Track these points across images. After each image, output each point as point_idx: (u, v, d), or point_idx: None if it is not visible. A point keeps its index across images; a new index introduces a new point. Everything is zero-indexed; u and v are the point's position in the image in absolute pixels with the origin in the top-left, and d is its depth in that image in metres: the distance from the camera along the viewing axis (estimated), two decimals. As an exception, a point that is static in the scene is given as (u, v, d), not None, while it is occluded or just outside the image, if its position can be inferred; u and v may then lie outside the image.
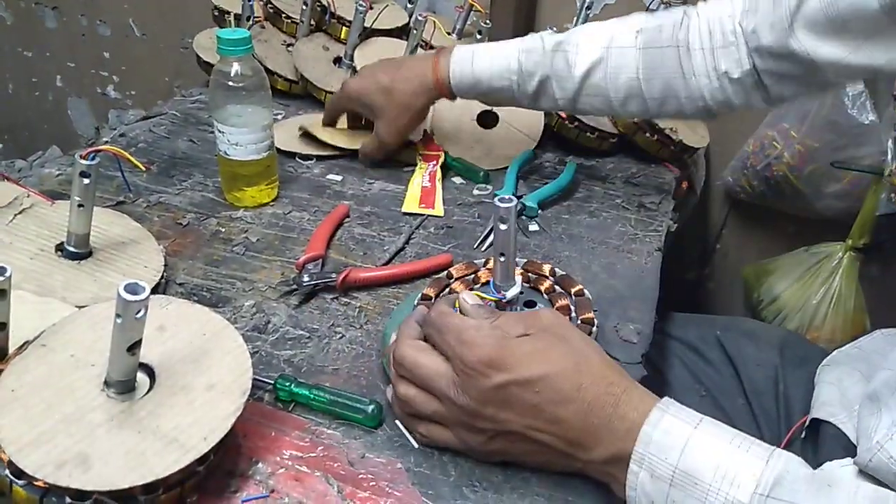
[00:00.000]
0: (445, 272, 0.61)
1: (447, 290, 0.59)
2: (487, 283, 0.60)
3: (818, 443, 0.62)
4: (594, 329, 0.56)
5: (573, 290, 0.59)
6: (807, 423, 0.64)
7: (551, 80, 0.76)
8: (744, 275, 1.32)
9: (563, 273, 0.62)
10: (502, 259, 0.54)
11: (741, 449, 0.42)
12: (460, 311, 0.50)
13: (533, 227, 0.80)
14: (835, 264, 1.18)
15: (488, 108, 0.94)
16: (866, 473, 0.52)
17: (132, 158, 0.59)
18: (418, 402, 0.49)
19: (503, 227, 0.51)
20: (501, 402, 0.46)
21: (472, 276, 0.61)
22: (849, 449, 0.57)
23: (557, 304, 0.58)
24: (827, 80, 0.66)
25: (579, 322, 0.56)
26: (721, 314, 1.47)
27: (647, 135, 0.94)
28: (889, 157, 1.07)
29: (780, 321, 1.21)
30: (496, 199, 0.51)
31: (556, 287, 0.60)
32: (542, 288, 0.60)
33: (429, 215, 0.81)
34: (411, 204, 0.82)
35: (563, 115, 0.95)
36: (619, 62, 0.74)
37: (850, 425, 0.58)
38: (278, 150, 0.85)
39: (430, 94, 0.82)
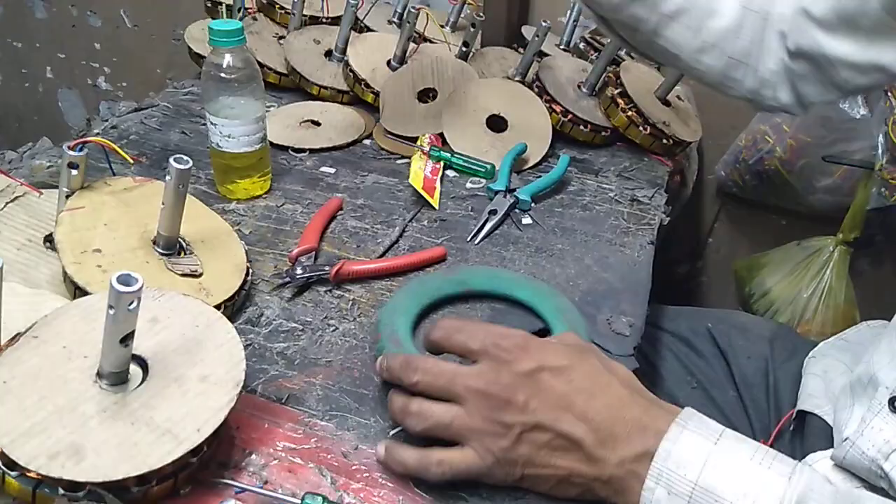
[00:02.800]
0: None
1: None
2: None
3: (804, 434, 0.62)
4: None
5: None
6: (794, 415, 0.65)
7: None
8: (735, 268, 1.32)
9: None
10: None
11: (763, 466, 0.41)
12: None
13: (526, 220, 0.81)
14: (826, 258, 1.19)
15: (496, 112, 0.93)
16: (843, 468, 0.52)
17: (120, 150, 0.59)
18: (436, 412, 0.46)
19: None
20: (532, 388, 0.44)
21: None
22: (832, 440, 0.57)
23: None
24: (842, 80, 0.66)
25: None
26: (713, 307, 1.48)
27: (640, 129, 0.94)
28: (880, 151, 1.08)
29: (772, 314, 1.22)
30: None
31: None
32: None
33: (424, 206, 0.81)
34: (416, 181, 0.81)
35: (556, 108, 0.95)
36: (716, 7, 0.68)
37: (833, 417, 0.59)
38: (271, 142, 0.85)
39: None
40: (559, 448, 0.45)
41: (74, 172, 0.59)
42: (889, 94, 1.05)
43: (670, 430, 0.43)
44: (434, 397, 0.47)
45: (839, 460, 0.52)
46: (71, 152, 0.58)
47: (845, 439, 0.51)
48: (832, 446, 0.56)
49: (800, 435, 0.64)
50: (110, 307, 0.41)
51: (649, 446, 0.43)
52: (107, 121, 0.97)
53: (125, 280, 0.40)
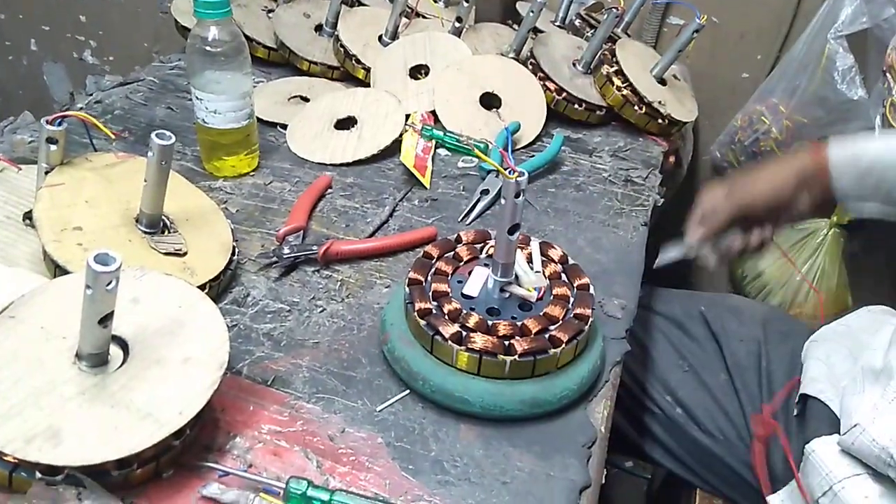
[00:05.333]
0: (423, 252, 0.59)
1: (432, 271, 0.57)
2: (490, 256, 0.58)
3: (806, 418, 0.62)
4: (586, 327, 0.54)
5: (577, 283, 0.58)
6: (797, 398, 0.64)
7: None
8: (728, 251, 1.32)
9: (574, 263, 0.60)
10: (512, 237, 0.52)
11: None
12: None
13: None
14: (819, 241, 1.19)
15: (490, 90, 0.91)
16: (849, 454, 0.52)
17: (100, 125, 0.57)
18: None
19: (518, 201, 0.50)
20: None
21: (452, 254, 0.59)
22: (835, 425, 0.57)
23: (556, 292, 0.57)
24: None
25: (573, 315, 0.55)
26: (705, 289, 1.48)
27: (636, 108, 0.93)
28: (877, 133, 1.07)
29: (764, 297, 1.21)
30: (502, 172, 0.49)
31: (563, 275, 0.59)
32: (547, 272, 0.59)
33: (415, 185, 0.80)
34: (407, 159, 0.80)
35: (550, 86, 0.94)
36: None
37: (836, 402, 0.59)
38: (259, 118, 0.83)
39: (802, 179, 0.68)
40: None
41: (53, 148, 0.58)
42: (887, 75, 1.04)
43: None
44: None
45: (847, 446, 0.52)
46: (49, 127, 0.56)
47: (855, 425, 0.51)
48: (835, 432, 0.55)
49: (799, 418, 0.64)
50: (87, 287, 0.40)
51: None
52: (91, 95, 0.94)
53: (103, 259, 0.39)
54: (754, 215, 0.71)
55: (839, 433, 0.55)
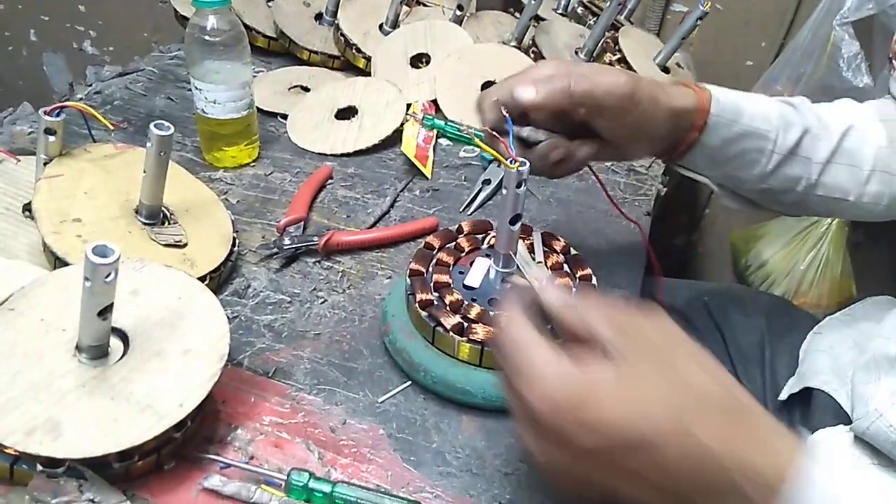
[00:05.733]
0: (424, 243, 0.59)
1: (433, 262, 0.57)
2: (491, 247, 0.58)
3: (810, 410, 0.62)
4: None
5: (579, 274, 0.57)
6: (798, 390, 0.64)
7: (808, 136, 0.62)
8: (732, 240, 1.31)
9: (577, 253, 0.60)
10: (514, 227, 0.52)
11: None
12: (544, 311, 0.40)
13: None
14: (823, 230, 1.18)
15: (491, 79, 0.90)
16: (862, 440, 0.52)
17: (99, 116, 0.57)
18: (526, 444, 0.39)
19: (519, 191, 0.50)
20: (589, 465, 0.36)
21: (454, 244, 0.59)
22: (840, 416, 0.57)
23: (558, 283, 0.56)
24: None
25: None
26: (709, 280, 1.48)
27: (639, 96, 0.92)
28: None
29: (768, 287, 1.21)
30: (506, 161, 0.49)
31: (565, 266, 0.58)
32: (549, 263, 0.58)
33: (416, 176, 0.79)
34: (408, 149, 0.79)
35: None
36: (866, 129, 0.63)
37: (842, 392, 0.58)
38: (259, 108, 0.82)
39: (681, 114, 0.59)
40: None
41: (52, 139, 0.57)
42: (893, 62, 1.03)
43: (797, 473, 0.35)
44: None
45: (861, 431, 0.51)
46: (47, 118, 0.56)
47: (872, 410, 0.51)
48: (840, 422, 0.55)
49: (802, 411, 0.63)
50: (86, 279, 0.39)
51: None
52: (91, 86, 0.94)
53: (101, 251, 0.38)
54: (598, 114, 0.54)
55: (844, 424, 0.54)
